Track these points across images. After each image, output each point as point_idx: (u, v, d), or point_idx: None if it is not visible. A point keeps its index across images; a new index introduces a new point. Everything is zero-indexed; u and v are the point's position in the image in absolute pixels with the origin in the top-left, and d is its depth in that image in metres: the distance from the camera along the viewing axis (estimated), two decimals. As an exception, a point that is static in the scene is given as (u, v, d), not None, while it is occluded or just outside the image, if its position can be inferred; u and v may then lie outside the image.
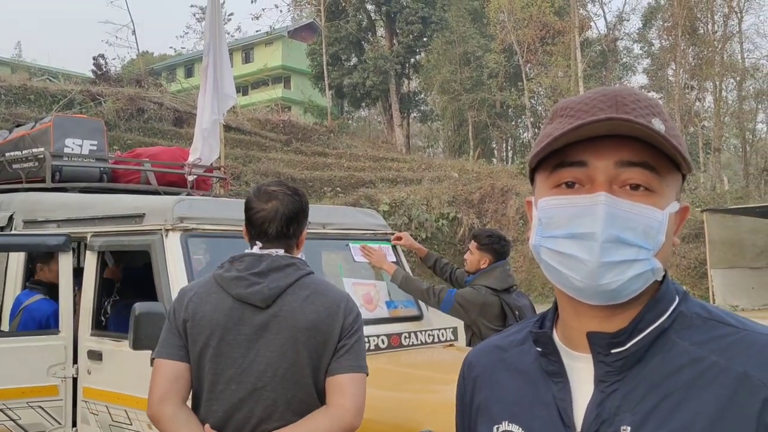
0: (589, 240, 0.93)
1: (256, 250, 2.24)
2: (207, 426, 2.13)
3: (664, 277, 1.01)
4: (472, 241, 4.36)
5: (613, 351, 0.96)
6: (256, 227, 2.25)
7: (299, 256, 2.33)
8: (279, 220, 2.23)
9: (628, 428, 0.92)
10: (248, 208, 2.27)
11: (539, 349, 1.05)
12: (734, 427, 0.88)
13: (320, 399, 2.20)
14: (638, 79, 48.28)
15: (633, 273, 0.93)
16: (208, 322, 2.15)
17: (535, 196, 1.03)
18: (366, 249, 4.30)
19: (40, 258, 4.31)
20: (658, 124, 0.93)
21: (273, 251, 2.23)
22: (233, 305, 2.15)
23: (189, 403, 2.23)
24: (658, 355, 0.95)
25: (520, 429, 1.03)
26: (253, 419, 2.12)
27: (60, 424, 3.92)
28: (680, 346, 0.95)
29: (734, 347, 0.93)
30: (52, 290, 4.19)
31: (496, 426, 1.06)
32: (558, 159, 0.97)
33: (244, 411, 2.12)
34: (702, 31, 29.26)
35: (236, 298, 2.16)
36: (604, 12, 40.45)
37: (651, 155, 0.94)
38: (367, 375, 2.24)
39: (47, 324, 4.07)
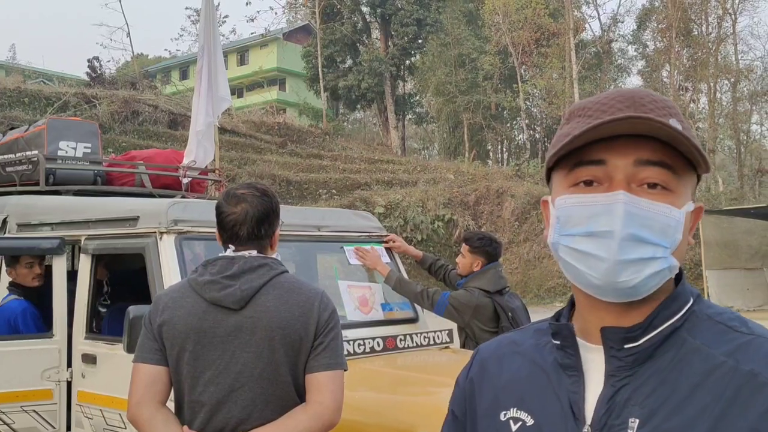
0: (607, 238, 0.94)
1: (229, 253, 2.27)
2: (185, 427, 2.18)
3: (681, 276, 1.03)
4: (464, 244, 4.37)
5: (626, 346, 0.98)
6: (227, 231, 2.28)
7: (275, 255, 2.37)
8: (249, 222, 2.26)
9: (637, 421, 0.94)
10: (218, 213, 2.30)
11: (557, 342, 1.06)
12: (737, 422, 0.90)
13: (299, 396, 2.23)
14: (633, 81, 48.38)
15: (650, 271, 0.95)
16: (183, 326, 2.18)
17: (552, 195, 1.05)
18: (360, 251, 4.30)
19: (6, 261, 4.29)
20: (675, 124, 0.94)
21: (246, 253, 2.27)
22: (207, 308, 2.19)
23: (172, 405, 2.26)
24: (669, 352, 0.97)
25: (529, 417, 1.04)
26: (233, 419, 2.16)
27: (54, 428, 3.90)
28: (691, 345, 0.97)
29: (743, 350, 0.95)
30: (31, 291, 4.20)
31: (504, 412, 1.07)
32: (576, 158, 0.99)
33: (223, 412, 2.16)
34: (696, 33, 29.38)
35: (210, 301, 2.19)
36: (598, 14, 40.63)
37: (668, 155, 0.96)
38: (346, 370, 2.27)
39: (16, 324, 4.06)
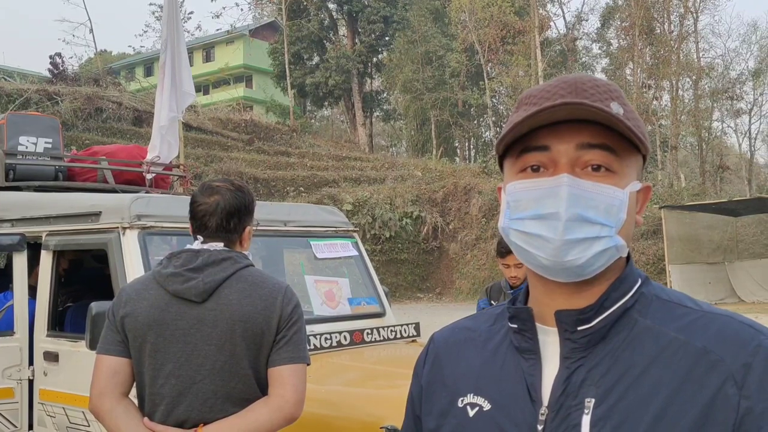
0: (553, 219, 0.97)
1: (196, 244, 2.28)
2: (146, 419, 2.18)
3: (629, 259, 1.05)
4: (512, 256, 4.20)
5: (579, 328, 1.00)
6: (197, 220, 2.30)
7: (245, 253, 2.37)
8: (219, 214, 2.27)
9: (593, 400, 0.96)
10: (192, 202, 2.32)
11: (515, 326, 1.07)
12: (692, 397, 0.92)
13: (262, 390, 2.23)
14: (597, 79, 48.92)
15: (597, 249, 0.97)
16: (145, 318, 2.18)
17: (504, 182, 1.07)
18: None
19: None
20: (616, 108, 0.97)
21: (212, 246, 2.27)
22: (170, 301, 2.19)
23: (135, 398, 2.26)
24: (622, 333, 0.99)
25: (486, 401, 1.05)
26: (194, 412, 2.16)
27: (16, 427, 3.83)
28: (642, 324, 0.99)
29: (693, 326, 0.98)
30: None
31: (461, 398, 1.08)
32: (522, 145, 1.01)
33: (184, 404, 2.16)
34: (659, 31, 29.78)
35: (173, 293, 2.19)
36: (563, 12, 40.78)
37: (610, 137, 0.98)
38: (308, 365, 2.27)
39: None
